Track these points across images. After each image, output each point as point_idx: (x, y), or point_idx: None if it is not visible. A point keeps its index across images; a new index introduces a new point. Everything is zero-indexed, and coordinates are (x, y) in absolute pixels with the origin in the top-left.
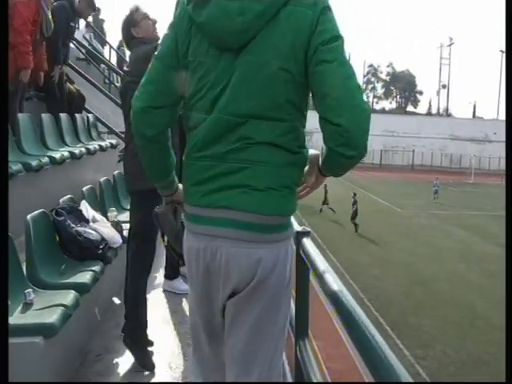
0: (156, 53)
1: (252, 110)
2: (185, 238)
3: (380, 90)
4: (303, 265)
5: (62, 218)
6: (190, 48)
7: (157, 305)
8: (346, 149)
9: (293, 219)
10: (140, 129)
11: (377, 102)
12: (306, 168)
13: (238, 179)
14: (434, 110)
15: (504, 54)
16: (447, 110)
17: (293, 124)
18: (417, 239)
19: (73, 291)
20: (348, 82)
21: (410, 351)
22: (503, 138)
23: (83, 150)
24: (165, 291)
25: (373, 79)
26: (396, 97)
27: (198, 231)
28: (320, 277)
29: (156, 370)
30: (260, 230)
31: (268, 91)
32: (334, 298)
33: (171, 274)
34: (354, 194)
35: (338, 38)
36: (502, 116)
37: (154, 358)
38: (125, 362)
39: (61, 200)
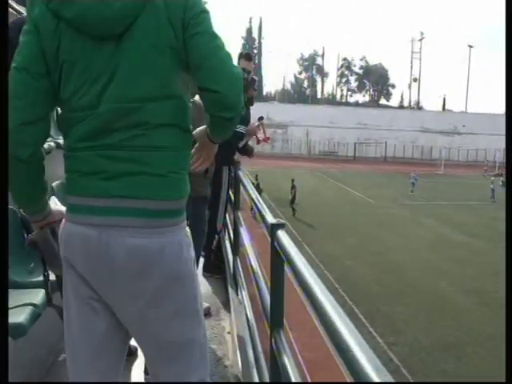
0: (14, 64)
1: (145, 93)
2: (65, 228)
3: (353, 83)
4: (278, 257)
5: None
6: (61, 47)
7: None
8: (226, 112)
9: (267, 210)
10: (15, 152)
11: (351, 95)
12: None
13: (135, 166)
14: (405, 103)
15: (470, 49)
16: (418, 102)
17: (183, 100)
18: (389, 229)
19: (42, 290)
20: (219, 52)
21: (383, 338)
22: (471, 130)
23: (52, 144)
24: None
25: (346, 72)
26: (369, 90)
27: (87, 222)
28: (294, 268)
29: (134, 363)
30: (159, 215)
31: (158, 71)
32: (308, 290)
33: None
34: (293, 181)
35: (205, 12)
36: (470, 109)
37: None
38: None
39: None
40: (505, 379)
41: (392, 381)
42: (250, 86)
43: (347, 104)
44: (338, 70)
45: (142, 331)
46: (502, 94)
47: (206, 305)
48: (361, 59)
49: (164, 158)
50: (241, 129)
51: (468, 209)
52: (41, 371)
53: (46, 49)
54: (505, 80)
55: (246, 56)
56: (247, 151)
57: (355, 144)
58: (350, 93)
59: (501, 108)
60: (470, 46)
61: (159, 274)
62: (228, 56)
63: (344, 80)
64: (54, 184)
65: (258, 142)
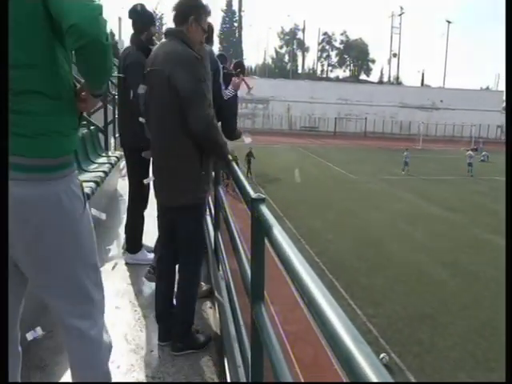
0: None
1: (12, 59)
2: None
3: (334, 59)
4: (259, 231)
5: None
6: None
7: (113, 277)
8: (80, 39)
9: (248, 185)
10: None
11: (331, 71)
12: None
13: (12, 128)
14: (385, 79)
15: (448, 25)
16: (397, 78)
17: (51, 69)
18: (368, 204)
19: None
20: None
21: (362, 310)
22: (449, 105)
23: None
24: (127, 264)
25: (327, 47)
26: (349, 65)
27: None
28: (275, 242)
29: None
30: (29, 170)
31: (20, 38)
32: (288, 263)
33: (133, 247)
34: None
35: None
36: (448, 84)
37: (110, 331)
38: None
39: None
40: (505, 379)
41: (370, 350)
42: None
43: (328, 79)
44: (319, 44)
45: (30, 273)
46: (478, 69)
47: (205, 287)
48: (341, 34)
49: (30, 121)
50: (230, 92)
51: (444, 183)
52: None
53: None
54: (505, 80)
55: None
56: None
57: (336, 119)
58: (330, 68)
59: (476, 84)
60: (449, 22)
61: (34, 222)
62: None
63: (325, 55)
64: None
65: (249, 88)
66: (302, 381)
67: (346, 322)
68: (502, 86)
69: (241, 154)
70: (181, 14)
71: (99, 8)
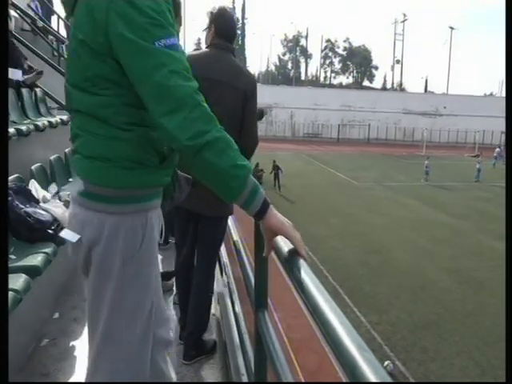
0: None
1: (73, 80)
2: None
3: (337, 65)
4: (262, 238)
5: (10, 198)
6: None
7: None
8: (172, 143)
9: None
10: None
11: (334, 77)
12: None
13: (77, 145)
14: (388, 85)
15: (449, 31)
16: (401, 84)
17: (110, 99)
18: (372, 210)
19: (23, 275)
20: (156, 74)
21: (366, 318)
22: (452, 111)
23: (31, 126)
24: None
25: (330, 54)
26: (352, 72)
27: None
28: (278, 250)
29: None
30: (88, 196)
31: (77, 63)
32: (292, 270)
33: None
34: (274, 162)
35: (140, 25)
36: (451, 90)
37: None
38: (81, 345)
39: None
40: (504, 379)
41: (374, 358)
42: None
43: (331, 86)
44: (322, 51)
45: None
46: (481, 75)
47: (211, 337)
48: (344, 41)
49: (90, 142)
50: None
51: (448, 189)
52: (21, 358)
53: None
54: (505, 80)
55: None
56: None
57: (339, 126)
58: (333, 74)
59: (480, 90)
60: (452, 28)
61: (81, 250)
62: (168, 77)
63: (328, 62)
64: (33, 167)
65: None
66: None
67: (349, 330)
68: None
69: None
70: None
71: (190, 94)
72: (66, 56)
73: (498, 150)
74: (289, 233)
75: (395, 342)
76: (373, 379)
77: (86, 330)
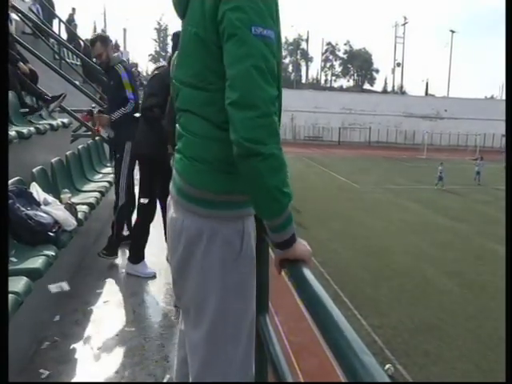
0: None
1: (183, 77)
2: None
3: (338, 68)
4: (262, 240)
5: (11, 201)
6: None
7: (116, 287)
8: (231, 131)
9: None
10: None
11: (335, 80)
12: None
13: (179, 145)
14: (389, 88)
15: (451, 34)
16: (401, 87)
17: (215, 96)
18: (373, 213)
19: (24, 277)
20: (241, 63)
21: (367, 321)
22: (453, 114)
23: (32, 129)
24: (128, 274)
25: (331, 57)
26: (353, 75)
27: None
28: None
29: (116, 352)
30: (185, 197)
31: (188, 59)
32: (293, 274)
33: (136, 257)
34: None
35: (246, 8)
36: (452, 93)
37: (112, 340)
38: (82, 347)
39: (9, 182)
40: (504, 379)
41: (375, 362)
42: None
43: (332, 89)
44: (323, 54)
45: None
46: (481, 79)
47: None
48: (345, 44)
49: (192, 143)
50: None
51: (449, 193)
52: (23, 360)
53: None
54: (505, 82)
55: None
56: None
57: (340, 129)
58: (334, 78)
59: (481, 93)
60: (452, 31)
61: (178, 253)
62: (250, 71)
63: (328, 65)
64: (34, 170)
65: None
66: None
67: (350, 333)
68: None
69: None
70: None
71: (271, 101)
72: (67, 60)
73: (478, 161)
74: (307, 262)
75: (396, 346)
76: (373, 382)
77: (86, 332)
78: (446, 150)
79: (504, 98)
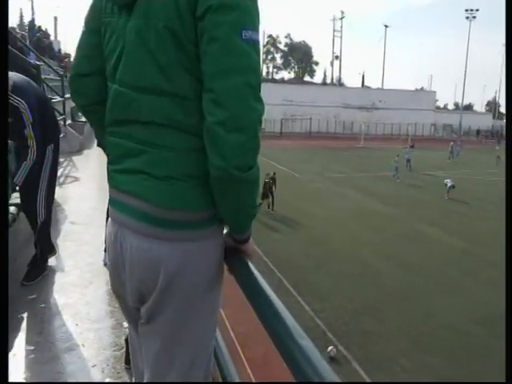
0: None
1: (144, 83)
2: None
3: (279, 61)
4: None
5: None
6: (103, 6)
7: (95, 280)
8: (217, 159)
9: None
10: (73, 98)
11: (276, 72)
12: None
13: (138, 163)
14: (328, 80)
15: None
16: (340, 79)
17: (197, 102)
18: (314, 202)
19: None
20: (232, 77)
21: (310, 306)
22: (388, 105)
23: None
24: (106, 265)
25: (272, 49)
26: (294, 67)
27: (111, 215)
28: None
29: (96, 346)
30: (160, 224)
31: (159, 59)
32: (233, 266)
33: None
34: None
35: (235, 7)
36: (386, 85)
37: (93, 334)
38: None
39: None
40: (505, 379)
41: (311, 344)
42: None
43: (274, 81)
44: (264, 46)
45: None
46: (412, 71)
47: None
48: (285, 36)
49: (164, 159)
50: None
51: (384, 179)
52: None
53: (97, 5)
54: (505, 79)
55: None
56: None
57: (281, 120)
58: (275, 70)
59: (412, 85)
60: (386, 26)
61: (155, 286)
62: (245, 85)
63: (270, 57)
64: None
65: None
66: (254, 381)
67: (289, 319)
68: (435, 87)
69: None
70: None
71: (258, 125)
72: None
73: (452, 143)
74: (252, 255)
75: (337, 328)
76: (311, 364)
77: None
78: (381, 138)
79: (433, 89)
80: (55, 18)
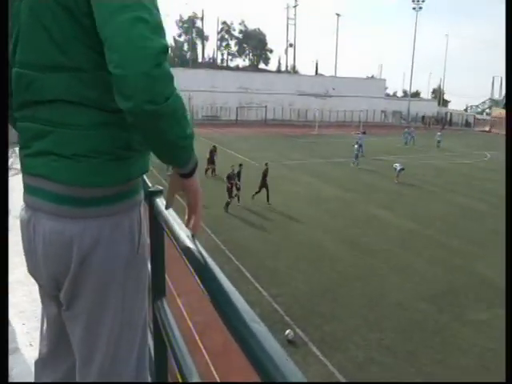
0: None
1: (43, 61)
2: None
3: (234, 48)
4: (156, 225)
5: None
6: None
7: None
8: (124, 100)
9: (144, 177)
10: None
11: (231, 60)
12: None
13: (46, 145)
14: (283, 68)
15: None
16: (294, 67)
17: (98, 74)
18: (271, 189)
19: None
20: (119, 16)
21: (268, 292)
22: (341, 92)
23: None
24: None
25: (226, 36)
26: (249, 54)
27: (24, 201)
28: (174, 235)
29: None
30: (73, 203)
31: (54, 35)
32: (188, 255)
33: None
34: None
35: None
36: (339, 73)
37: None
38: None
39: None
40: (505, 379)
41: (264, 329)
42: None
43: (228, 68)
44: (218, 33)
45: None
46: (363, 59)
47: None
48: (240, 23)
49: (71, 137)
50: None
51: (338, 165)
52: None
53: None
54: (505, 80)
55: None
56: None
57: (237, 108)
58: (230, 57)
59: (363, 73)
60: (338, 15)
61: (69, 267)
62: (133, 19)
63: (224, 44)
64: None
65: None
66: (212, 369)
67: (240, 303)
68: (385, 75)
69: None
70: None
71: (160, 54)
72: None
73: (406, 130)
74: (200, 199)
75: (295, 311)
76: (264, 349)
77: None
78: (334, 125)
79: (383, 77)
80: None
